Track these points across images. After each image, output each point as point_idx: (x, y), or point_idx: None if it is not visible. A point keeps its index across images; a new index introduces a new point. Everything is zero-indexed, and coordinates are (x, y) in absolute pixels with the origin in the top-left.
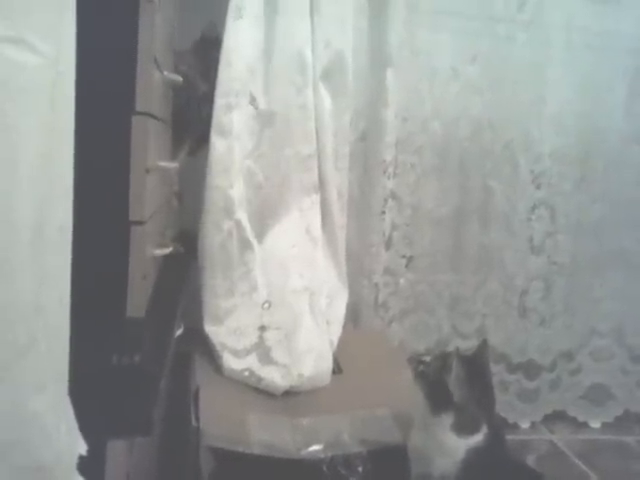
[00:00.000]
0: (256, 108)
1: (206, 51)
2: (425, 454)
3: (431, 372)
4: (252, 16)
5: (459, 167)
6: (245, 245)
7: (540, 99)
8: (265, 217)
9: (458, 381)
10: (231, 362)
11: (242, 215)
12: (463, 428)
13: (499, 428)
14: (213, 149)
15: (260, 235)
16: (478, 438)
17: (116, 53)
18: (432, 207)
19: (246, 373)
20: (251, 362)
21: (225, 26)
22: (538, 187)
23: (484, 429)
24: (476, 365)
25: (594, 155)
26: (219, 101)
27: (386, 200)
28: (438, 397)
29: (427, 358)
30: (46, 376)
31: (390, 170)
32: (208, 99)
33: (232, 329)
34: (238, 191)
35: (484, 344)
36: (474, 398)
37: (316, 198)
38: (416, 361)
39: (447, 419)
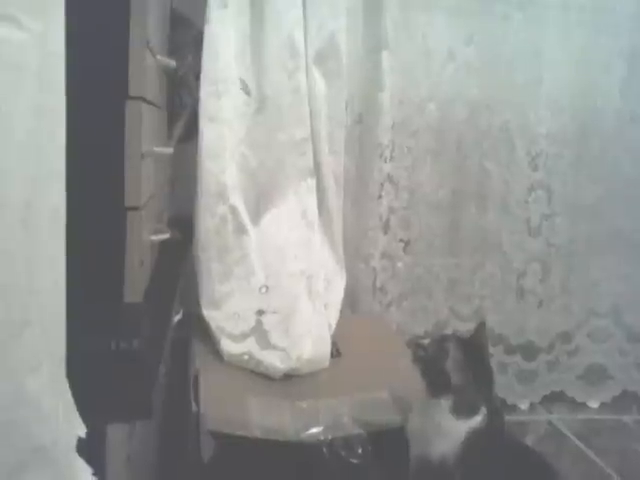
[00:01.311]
0: (248, 94)
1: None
2: (424, 436)
3: (429, 355)
4: (238, 3)
5: (456, 149)
6: (241, 230)
7: (536, 79)
8: (261, 202)
9: (456, 364)
10: (229, 347)
11: (237, 200)
12: (462, 410)
13: (498, 409)
14: (203, 135)
15: (256, 220)
16: (477, 420)
17: (108, 37)
18: (429, 190)
19: (245, 357)
20: (250, 346)
21: (207, 14)
22: (535, 169)
23: (483, 411)
24: (474, 347)
25: (591, 136)
26: (206, 88)
27: (383, 184)
28: (436, 380)
29: (425, 341)
30: (41, 357)
31: (387, 153)
32: (184, 84)
33: (230, 314)
34: (231, 176)
35: (482, 326)
36: (472, 380)
37: (312, 182)
38: (414, 345)
39: (446, 402)
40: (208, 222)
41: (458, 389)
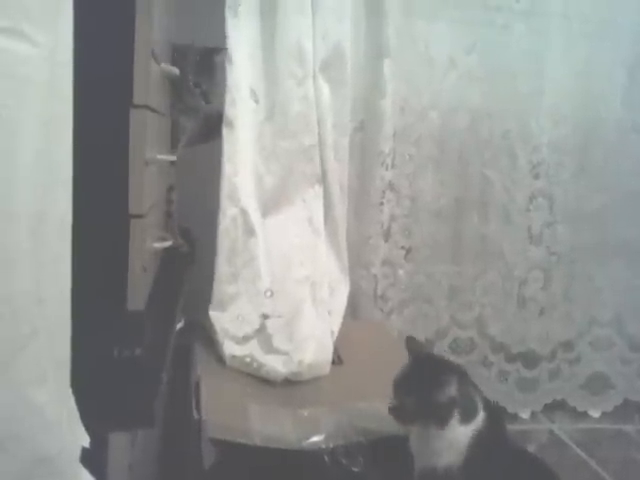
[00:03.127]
0: (256, 101)
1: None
2: (430, 449)
3: (419, 399)
4: (249, 11)
5: (457, 158)
6: (249, 232)
7: (538, 89)
8: (268, 207)
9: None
10: (232, 349)
11: (247, 203)
12: (466, 416)
13: (496, 410)
14: (223, 139)
15: (264, 224)
16: (479, 420)
17: (113, 46)
18: (430, 198)
19: (247, 359)
20: (252, 349)
21: (225, 23)
22: (536, 177)
23: (481, 408)
24: (425, 360)
25: (593, 145)
26: (227, 95)
27: (384, 191)
28: (439, 414)
29: (391, 401)
30: (47, 367)
31: (388, 161)
32: (206, 95)
33: (235, 315)
34: (243, 180)
35: (410, 340)
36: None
37: (319, 189)
38: (390, 411)
39: (455, 418)
40: (220, 223)
41: (462, 401)
